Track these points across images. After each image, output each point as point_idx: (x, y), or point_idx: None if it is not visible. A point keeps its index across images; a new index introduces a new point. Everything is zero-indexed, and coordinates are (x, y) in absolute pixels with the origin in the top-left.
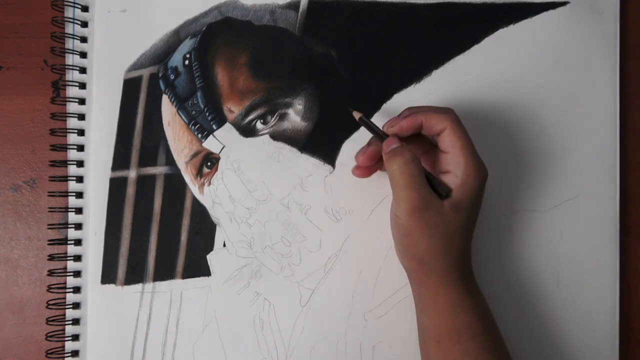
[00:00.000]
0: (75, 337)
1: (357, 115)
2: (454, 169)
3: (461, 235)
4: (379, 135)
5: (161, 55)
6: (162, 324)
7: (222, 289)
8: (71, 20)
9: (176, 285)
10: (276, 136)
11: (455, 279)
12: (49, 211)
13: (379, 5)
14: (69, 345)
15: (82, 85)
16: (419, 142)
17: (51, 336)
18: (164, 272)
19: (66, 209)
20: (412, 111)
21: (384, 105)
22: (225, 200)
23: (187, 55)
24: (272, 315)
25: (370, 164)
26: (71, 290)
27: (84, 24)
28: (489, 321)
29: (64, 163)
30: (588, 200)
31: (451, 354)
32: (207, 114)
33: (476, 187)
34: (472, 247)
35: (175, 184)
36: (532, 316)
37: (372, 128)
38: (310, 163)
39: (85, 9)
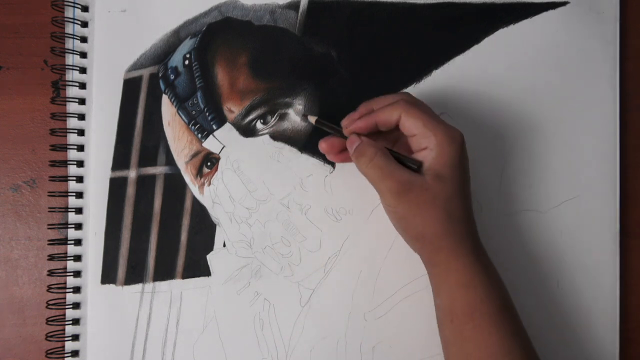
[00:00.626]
0: (75, 337)
1: (312, 119)
2: (426, 144)
3: (457, 205)
4: (339, 133)
5: (161, 55)
6: (162, 324)
7: (222, 289)
8: (71, 20)
9: (176, 285)
10: (276, 136)
11: (465, 253)
12: (49, 211)
13: (379, 5)
14: (69, 345)
15: (82, 85)
16: (389, 132)
17: (51, 336)
18: (164, 272)
19: (66, 209)
20: (366, 108)
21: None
22: (225, 200)
23: (187, 55)
24: (272, 315)
25: (335, 152)
26: (71, 290)
27: (84, 24)
28: (503, 297)
29: (64, 163)
30: (588, 200)
31: (465, 331)
32: (207, 114)
33: (453, 152)
34: None
35: (175, 184)
36: (532, 316)
37: (331, 128)
38: (310, 163)
39: (85, 9)
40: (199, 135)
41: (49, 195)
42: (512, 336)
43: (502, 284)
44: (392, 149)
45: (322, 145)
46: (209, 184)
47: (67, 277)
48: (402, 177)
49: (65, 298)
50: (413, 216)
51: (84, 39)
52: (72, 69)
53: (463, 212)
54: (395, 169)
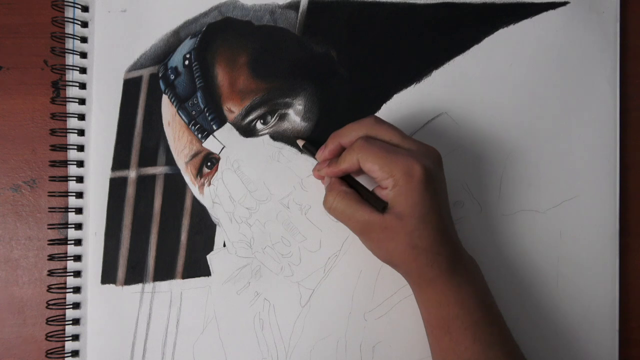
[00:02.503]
0: (75, 337)
1: (300, 142)
2: (386, 185)
3: (420, 236)
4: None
5: (161, 55)
6: (162, 324)
7: (222, 289)
8: (71, 20)
9: (176, 285)
10: (276, 136)
11: (434, 275)
12: (49, 211)
13: (379, 5)
14: (69, 345)
15: (82, 85)
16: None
17: (51, 336)
18: (164, 272)
19: (66, 209)
20: (334, 144)
21: (384, 105)
22: (225, 200)
23: (187, 55)
24: (272, 315)
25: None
26: (71, 290)
27: (84, 24)
28: (483, 309)
29: (64, 163)
30: (588, 200)
31: (443, 343)
32: (207, 114)
33: (413, 191)
34: (471, 247)
35: (175, 184)
36: (532, 316)
37: (313, 155)
38: (310, 163)
39: (85, 9)
40: (199, 136)
41: (49, 195)
42: (492, 348)
43: (482, 293)
44: (368, 179)
45: (315, 174)
46: (209, 184)
47: (67, 277)
48: (362, 218)
49: (65, 298)
50: (378, 249)
51: (84, 39)
52: (72, 69)
53: (428, 241)
54: (356, 211)
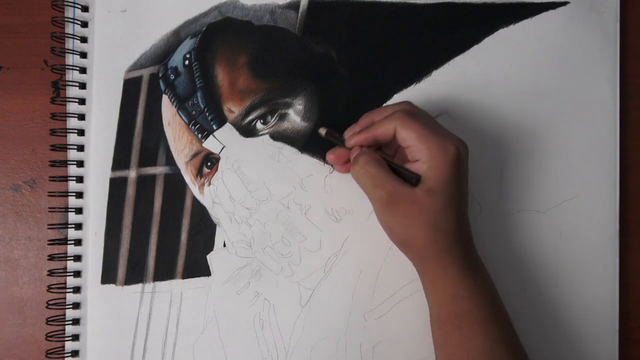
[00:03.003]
0: (75, 337)
1: (322, 131)
2: (419, 157)
3: (445, 219)
4: (344, 144)
5: (161, 55)
6: (162, 324)
7: (222, 289)
8: (71, 20)
9: (176, 285)
10: (276, 136)
11: (451, 262)
12: (49, 211)
13: (379, 5)
14: (69, 345)
15: (82, 85)
16: (391, 144)
17: (51, 336)
18: (164, 272)
19: (66, 209)
20: (366, 121)
21: (384, 105)
22: (226, 200)
23: (187, 55)
24: (272, 315)
25: (341, 162)
26: (71, 290)
27: (84, 24)
28: (492, 305)
29: (64, 163)
30: (588, 200)
31: (453, 339)
32: (207, 114)
33: (446, 167)
34: None
35: (175, 184)
36: (532, 316)
37: (338, 140)
38: (310, 163)
39: (85, 9)
40: (199, 136)
41: (49, 195)
42: (501, 344)
43: (493, 291)
44: (393, 160)
45: (330, 157)
46: (209, 184)
47: (67, 277)
48: (392, 188)
49: (65, 298)
50: (399, 227)
51: (84, 39)
52: (72, 69)
53: (452, 225)
54: (387, 179)
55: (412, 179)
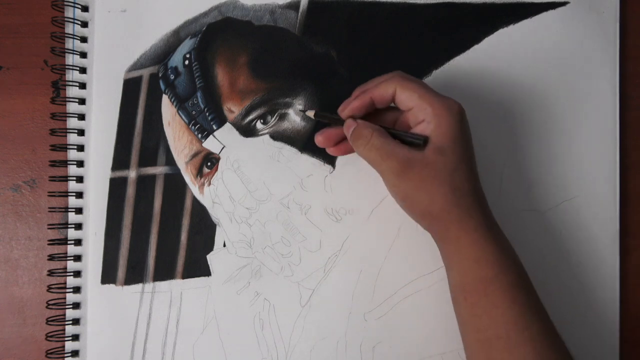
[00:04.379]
0: (75, 337)
1: (310, 113)
2: (424, 116)
3: (461, 177)
4: (338, 122)
5: (161, 55)
6: (162, 324)
7: (222, 289)
8: (71, 20)
9: (176, 285)
10: (276, 136)
11: (474, 226)
12: (49, 211)
13: (379, 5)
14: (69, 345)
15: (82, 85)
16: (385, 114)
17: (51, 336)
18: (164, 272)
19: (66, 209)
20: (361, 90)
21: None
22: (225, 200)
23: (187, 55)
24: (272, 315)
25: (332, 144)
26: (71, 290)
27: (84, 24)
28: (517, 270)
29: (64, 163)
30: (588, 200)
31: (479, 307)
32: (207, 114)
33: (452, 123)
34: None
35: (175, 184)
36: None
37: (330, 119)
38: (310, 163)
39: (85, 9)
40: (199, 135)
41: (49, 195)
42: (529, 310)
43: (516, 256)
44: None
45: (319, 139)
46: (209, 184)
47: (67, 277)
48: (402, 155)
49: (65, 298)
50: (417, 193)
51: (84, 39)
52: (72, 69)
53: (469, 185)
54: (394, 148)
55: (420, 141)
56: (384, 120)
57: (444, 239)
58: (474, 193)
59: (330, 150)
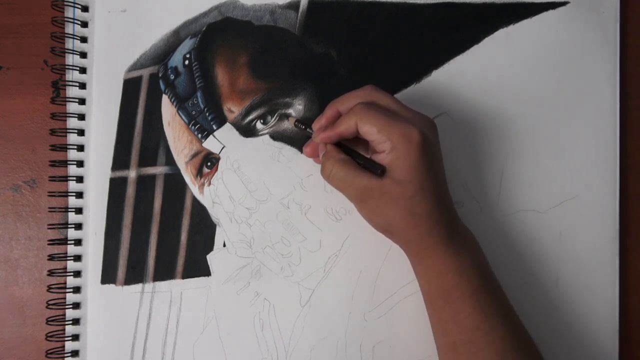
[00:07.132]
0: (75, 337)
1: (291, 120)
2: (383, 148)
3: (420, 205)
4: (311, 135)
5: (161, 55)
6: (162, 324)
7: (222, 289)
8: (71, 20)
9: (176, 285)
10: (276, 136)
11: (433, 243)
12: (49, 211)
13: (379, 5)
14: (69, 345)
15: (82, 85)
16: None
17: (51, 336)
18: (164, 272)
19: (66, 209)
20: (332, 111)
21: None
22: (225, 200)
23: (187, 55)
24: (272, 315)
25: (316, 156)
26: (71, 290)
27: (84, 24)
28: (482, 277)
29: (64, 163)
30: (588, 200)
31: (444, 313)
32: (207, 114)
33: (411, 155)
34: None
35: (175, 184)
36: (531, 316)
37: (304, 131)
38: (310, 163)
39: (85, 9)
40: (199, 135)
41: (49, 195)
42: (492, 315)
43: (481, 263)
44: (367, 148)
45: (306, 150)
46: (209, 184)
47: (67, 277)
48: (362, 185)
49: (65, 298)
50: (376, 217)
51: (84, 39)
52: (72, 69)
53: (428, 208)
54: (355, 177)
55: (377, 170)
56: (359, 139)
57: (407, 253)
58: (433, 215)
59: (317, 161)
